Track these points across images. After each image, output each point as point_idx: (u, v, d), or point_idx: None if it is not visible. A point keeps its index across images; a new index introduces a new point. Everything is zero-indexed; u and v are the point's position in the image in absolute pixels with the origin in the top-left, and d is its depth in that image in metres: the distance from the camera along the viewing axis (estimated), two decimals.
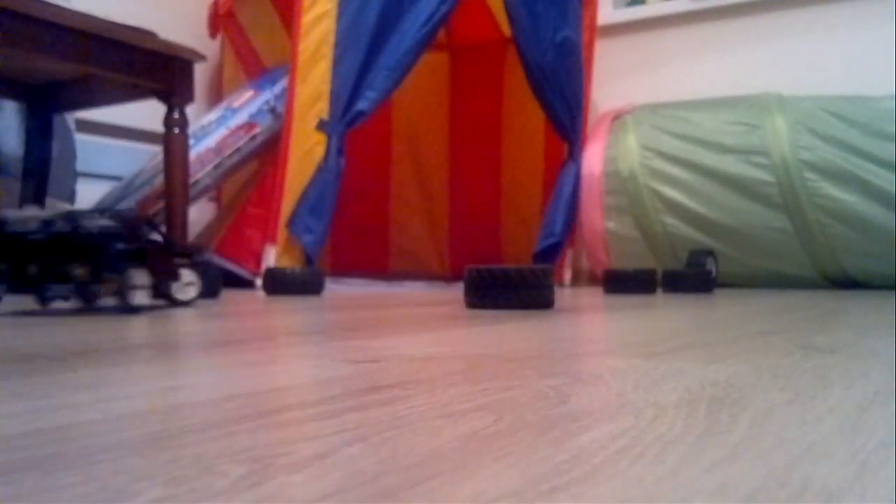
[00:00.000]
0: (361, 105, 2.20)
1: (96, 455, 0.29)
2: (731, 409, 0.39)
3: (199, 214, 2.63)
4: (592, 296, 1.82)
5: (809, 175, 2.22)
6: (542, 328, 0.88)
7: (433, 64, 3.11)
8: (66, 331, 0.86)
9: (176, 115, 1.88)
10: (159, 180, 2.10)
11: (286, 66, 2.27)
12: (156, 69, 1.83)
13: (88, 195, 2.27)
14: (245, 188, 2.62)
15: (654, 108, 2.57)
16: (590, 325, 0.97)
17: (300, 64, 2.16)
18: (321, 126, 2.17)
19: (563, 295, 1.83)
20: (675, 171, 2.38)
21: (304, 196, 2.14)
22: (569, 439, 0.32)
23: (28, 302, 1.42)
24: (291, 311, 1.23)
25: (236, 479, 0.26)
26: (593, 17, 2.80)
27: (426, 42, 2.31)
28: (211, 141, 2.36)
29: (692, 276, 2.03)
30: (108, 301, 1.17)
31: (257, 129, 2.42)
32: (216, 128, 2.38)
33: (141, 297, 1.14)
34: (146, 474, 0.27)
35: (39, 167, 2.07)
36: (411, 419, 0.36)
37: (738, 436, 0.33)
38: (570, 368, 0.54)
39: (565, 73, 2.54)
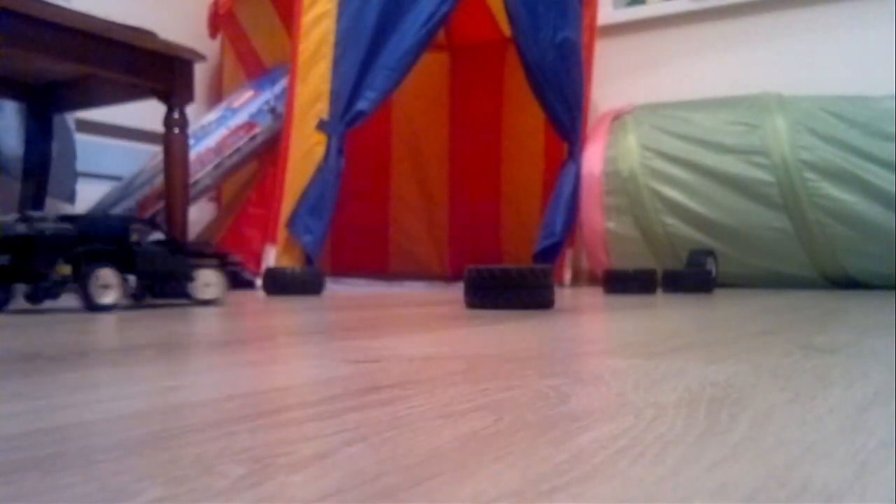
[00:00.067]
0: (361, 105, 2.20)
1: (96, 455, 0.29)
2: (731, 409, 0.39)
3: (199, 214, 2.63)
4: (592, 296, 1.82)
5: (809, 175, 2.22)
6: (542, 328, 0.88)
7: (433, 64, 3.10)
8: (66, 331, 0.86)
9: (176, 115, 1.88)
10: (159, 180, 2.10)
11: (286, 66, 2.27)
12: (156, 69, 1.83)
13: (88, 195, 2.27)
14: (245, 188, 2.62)
15: (654, 108, 2.57)
16: (590, 325, 0.97)
17: (300, 64, 2.15)
18: (321, 126, 2.17)
19: (563, 295, 1.83)
20: (676, 171, 2.38)
21: (304, 196, 2.14)
22: (569, 439, 0.32)
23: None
24: (291, 311, 1.23)
25: (236, 479, 0.26)
26: (593, 17, 2.80)
27: (426, 42, 2.31)
28: (211, 141, 2.36)
29: (692, 276, 2.03)
30: (74, 301, 1.22)
31: (257, 129, 2.42)
32: (216, 128, 2.38)
33: (108, 297, 1.18)
34: (146, 474, 0.27)
35: (39, 167, 2.07)
36: (411, 419, 0.36)
37: (738, 436, 0.33)
38: (570, 368, 0.54)
39: (565, 74, 2.54)
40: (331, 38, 2.17)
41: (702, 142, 2.38)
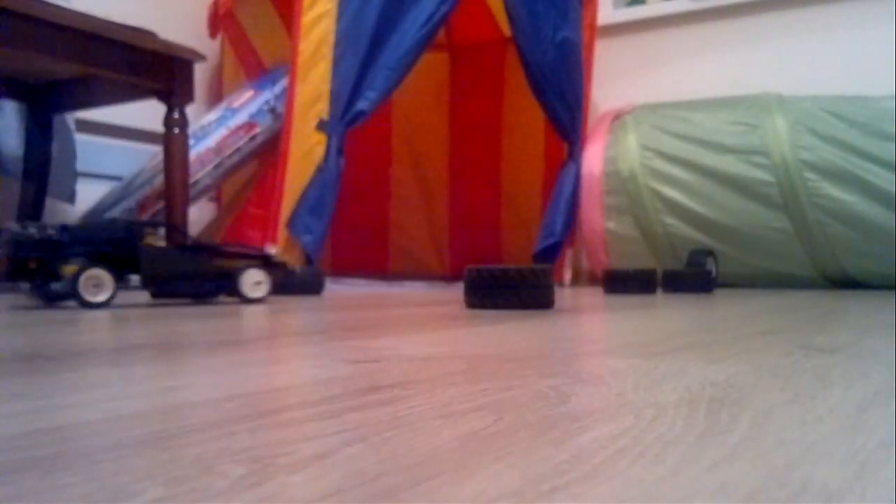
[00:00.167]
0: (361, 105, 2.20)
1: (96, 455, 0.29)
2: (731, 409, 0.39)
3: (199, 214, 2.63)
4: (592, 296, 1.82)
5: (809, 175, 2.22)
6: (542, 328, 0.88)
7: (433, 64, 3.10)
8: (66, 331, 0.86)
9: (176, 115, 1.88)
10: (159, 180, 2.10)
11: (286, 66, 2.27)
12: (156, 69, 1.83)
13: (88, 195, 2.27)
14: (245, 188, 2.62)
15: (654, 108, 2.57)
16: (590, 325, 0.97)
17: (300, 64, 2.15)
18: (321, 126, 2.17)
19: (563, 295, 1.83)
20: (675, 171, 2.38)
21: (304, 196, 2.14)
22: (569, 439, 0.32)
23: (28, 301, 1.43)
24: (291, 311, 1.23)
25: (236, 479, 0.26)
26: (593, 17, 2.80)
27: (426, 42, 2.31)
28: (211, 141, 2.36)
29: (692, 276, 2.03)
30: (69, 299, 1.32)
31: (257, 129, 2.42)
32: (216, 128, 2.38)
33: (98, 296, 1.28)
34: (146, 474, 0.27)
35: (39, 167, 2.07)
36: (411, 419, 0.36)
37: (738, 436, 0.33)
38: (570, 368, 0.54)
39: (565, 73, 2.54)
40: (331, 38, 2.17)
41: (702, 142, 2.38)
